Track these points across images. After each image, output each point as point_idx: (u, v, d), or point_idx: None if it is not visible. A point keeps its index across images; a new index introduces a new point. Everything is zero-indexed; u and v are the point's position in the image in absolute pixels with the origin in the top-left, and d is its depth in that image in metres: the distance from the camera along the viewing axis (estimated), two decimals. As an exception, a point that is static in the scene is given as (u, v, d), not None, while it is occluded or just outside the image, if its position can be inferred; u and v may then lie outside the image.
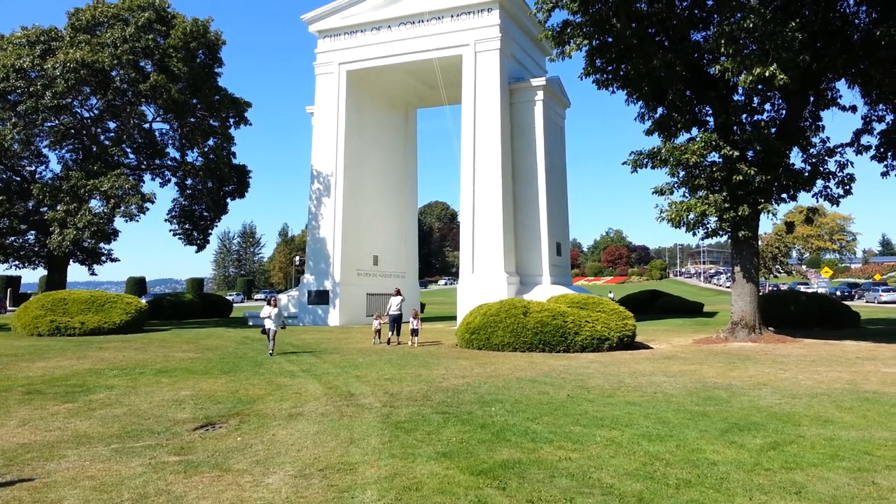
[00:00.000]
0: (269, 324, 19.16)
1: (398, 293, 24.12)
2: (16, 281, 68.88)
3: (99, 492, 6.63)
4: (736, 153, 20.81)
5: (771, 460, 7.57)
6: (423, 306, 45.14)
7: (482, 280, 31.42)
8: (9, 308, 57.55)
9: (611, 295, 30.58)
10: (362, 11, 35.66)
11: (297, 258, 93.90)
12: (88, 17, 33.03)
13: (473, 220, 32.56)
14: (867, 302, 61.64)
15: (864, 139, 24.02)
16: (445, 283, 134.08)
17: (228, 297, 58.46)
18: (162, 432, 9.19)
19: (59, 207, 32.09)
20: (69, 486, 6.79)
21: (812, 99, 23.31)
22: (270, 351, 19.07)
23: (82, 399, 11.81)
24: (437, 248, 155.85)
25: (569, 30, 22.06)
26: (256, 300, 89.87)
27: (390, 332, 22.93)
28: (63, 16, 34.12)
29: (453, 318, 34.70)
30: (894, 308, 52.67)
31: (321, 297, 35.15)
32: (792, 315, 27.96)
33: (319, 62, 36.87)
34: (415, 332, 22.49)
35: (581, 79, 23.49)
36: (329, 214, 35.75)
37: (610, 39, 22.50)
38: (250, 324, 35.22)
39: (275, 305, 19.55)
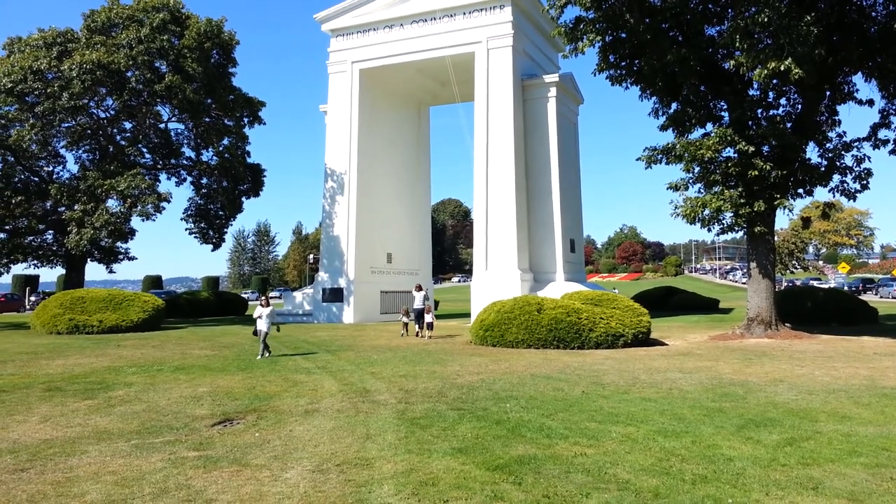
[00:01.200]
0: (260, 325, 17.64)
1: (420, 288, 25.94)
2: (34, 280, 69.71)
3: (120, 486, 6.73)
4: (751, 148, 20.67)
5: (787, 456, 7.55)
6: (436, 304, 45.24)
7: (496, 277, 31.41)
8: (27, 307, 58.23)
9: (615, 291, 30.58)
10: (375, 10, 35.74)
11: (312, 256, 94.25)
12: (104, 18, 33.31)
13: (487, 217, 32.55)
14: (881, 297, 61.35)
15: (882, 133, 23.71)
16: (459, 281, 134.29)
17: (243, 296, 58.85)
18: (181, 428, 9.30)
19: (76, 207, 32.42)
20: (91, 481, 6.90)
21: (828, 93, 23.09)
22: (260, 354, 17.57)
23: (102, 396, 11.96)
24: (450, 245, 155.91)
25: (581, 26, 21.99)
26: (271, 298, 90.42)
27: (417, 327, 24.86)
28: (79, 17, 34.48)
29: (467, 315, 34.74)
30: None
31: (335, 295, 35.31)
32: (808, 311, 27.71)
33: (332, 61, 36.99)
34: (429, 325, 24.47)
35: (594, 74, 23.43)
36: (343, 212, 35.89)
37: (623, 35, 22.40)
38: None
39: (267, 304, 18.00)
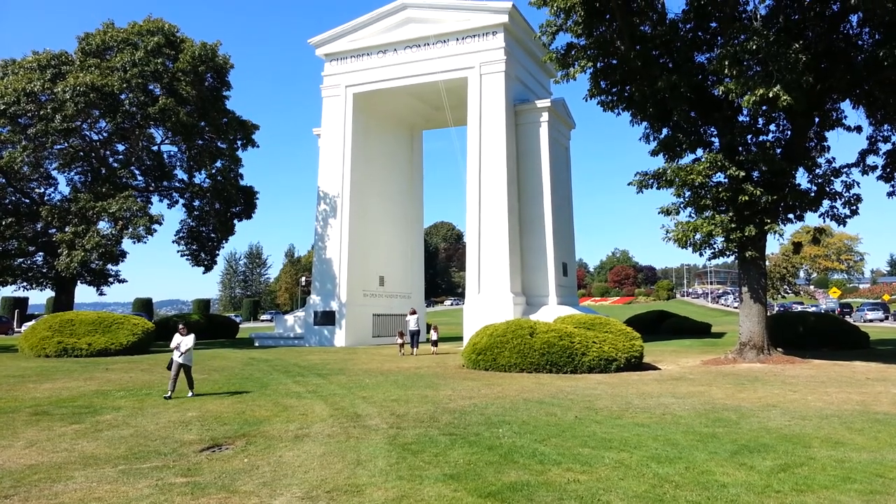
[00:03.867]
0: (177, 356, 14.68)
1: (414, 312, 28.87)
2: (23, 302, 69.06)
3: (106, 514, 6.61)
4: (741, 173, 20.84)
5: (781, 482, 7.50)
6: (429, 327, 45.10)
7: (488, 300, 31.37)
8: (16, 329, 57.65)
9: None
10: (368, 35, 36.07)
11: (304, 279, 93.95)
12: (98, 41, 33.46)
13: (479, 240, 32.60)
14: (854, 321, 62.67)
15: (870, 159, 24.02)
16: (451, 304, 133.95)
17: (235, 319, 58.46)
18: (169, 454, 9.17)
19: (67, 229, 32.27)
20: (76, 508, 6.78)
21: (817, 119, 23.37)
22: (168, 393, 14.62)
23: (89, 420, 11.81)
24: (442, 268, 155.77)
25: (573, 52, 22.25)
26: (262, 321, 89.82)
27: (412, 347, 27.25)
28: (73, 40, 34.57)
29: (459, 338, 34.62)
30: (880, 326, 53.25)
31: (327, 318, 35.14)
32: (800, 335, 27.77)
33: (326, 85, 37.22)
34: (434, 343, 28.23)
35: (586, 100, 23.65)
36: (335, 235, 35.87)
37: (614, 61, 22.67)
38: (256, 345, 35.23)
39: (186, 333, 14.90)
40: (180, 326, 15.14)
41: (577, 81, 22.95)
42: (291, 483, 7.62)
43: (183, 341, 14.68)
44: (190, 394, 14.94)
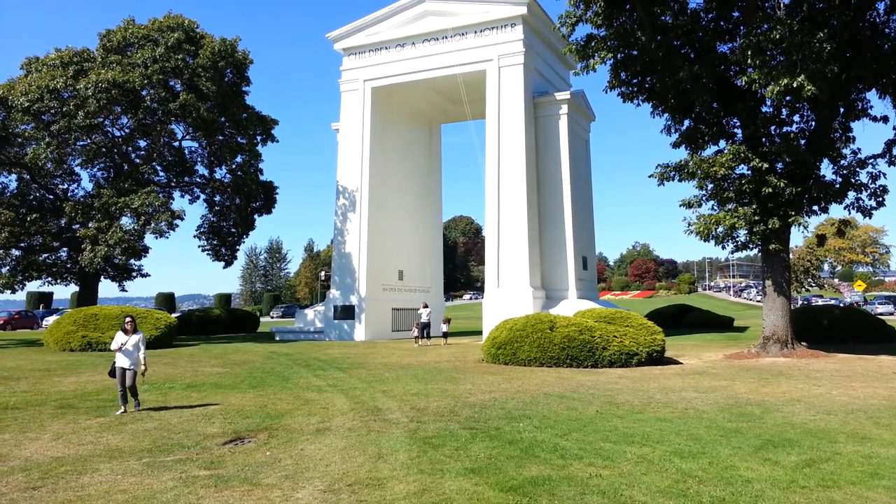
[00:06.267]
0: (120, 361, 11.83)
1: (426, 305, 30.96)
2: (48, 297, 70.20)
3: (131, 506, 6.68)
4: (765, 165, 20.56)
5: (807, 478, 7.40)
6: (448, 321, 45.09)
7: (508, 294, 31.31)
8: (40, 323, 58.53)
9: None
10: (386, 29, 36.04)
11: (323, 273, 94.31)
12: (119, 38, 33.75)
13: (498, 234, 32.52)
14: None
15: (897, 150, 23.57)
16: (470, 298, 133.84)
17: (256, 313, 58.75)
18: (192, 447, 9.25)
19: (90, 225, 32.66)
20: (102, 500, 6.87)
21: (842, 110, 22.98)
22: (121, 407, 11.93)
23: (113, 413, 11.95)
24: (461, 262, 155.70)
25: (593, 43, 22.07)
26: (274, 315, 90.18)
27: (423, 337, 29.61)
28: (95, 37, 34.83)
29: (479, 332, 34.61)
30: (891, 319, 52.25)
31: (347, 312, 35.30)
32: (825, 329, 27.41)
33: (344, 79, 37.28)
34: (445, 335, 30.72)
35: (606, 92, 23.46)
36: (354, 230, 35.98)
37: (635, 52, 22.45)
38: (277, 339, 35.48)
39: (133, 332, 12.03)
40: (125, 321, 12.11)
41: (596, 73, 22.74)
42: (313, 476, 7.65)
43: (128, 341, 11.93)
44: (136, 406, 12.10)
